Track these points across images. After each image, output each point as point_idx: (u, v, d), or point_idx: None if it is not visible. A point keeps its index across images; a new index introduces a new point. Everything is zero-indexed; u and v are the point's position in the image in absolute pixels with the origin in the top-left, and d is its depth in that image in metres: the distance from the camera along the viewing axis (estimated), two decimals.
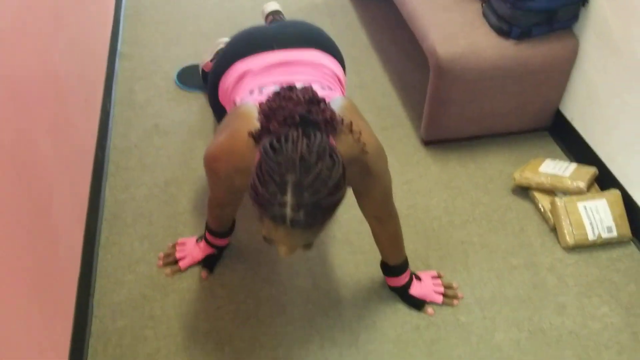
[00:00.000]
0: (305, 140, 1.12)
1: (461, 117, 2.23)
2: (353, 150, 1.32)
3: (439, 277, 1.80)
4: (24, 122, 1.45)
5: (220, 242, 1.82)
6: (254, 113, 1.33)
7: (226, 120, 1.43)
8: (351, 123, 1.32)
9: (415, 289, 1.72)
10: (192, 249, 1.84)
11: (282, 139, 1.13)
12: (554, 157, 2.23)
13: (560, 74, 2.20)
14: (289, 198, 1.09)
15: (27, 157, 1.43)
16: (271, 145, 1.13)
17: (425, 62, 2.74)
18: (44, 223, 1.46)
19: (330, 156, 1.13)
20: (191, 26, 2.99)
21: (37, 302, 1.34)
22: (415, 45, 2.85)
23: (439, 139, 2.31)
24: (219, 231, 1.78)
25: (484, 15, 2.20)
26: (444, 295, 1.75)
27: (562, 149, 2.28)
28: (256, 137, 1.27)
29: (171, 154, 2.25)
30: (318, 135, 1.15)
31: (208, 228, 1.78)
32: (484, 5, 2.23)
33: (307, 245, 1.24)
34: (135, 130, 2.35)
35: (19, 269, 1.26)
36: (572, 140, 2.24)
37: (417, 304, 1.73)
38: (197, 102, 2.50)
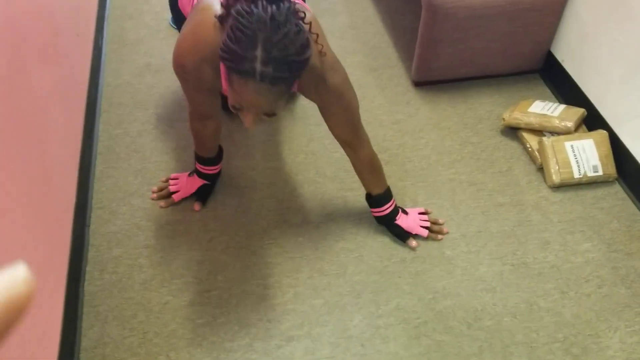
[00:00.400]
0: (274, 5, 1.14)
1: (452, 58, 2.21)
2: None
3: (426, 213, 1.82)
4: (18, 52, 1.42)
5: (210, 169, 1.82)
6: (216, 4, 1.32)
7: (188, 18, 1.42)
8: (310, 24, 1.31)
9: (402, 221, 1.74)
10: (185, 182, 1.84)
11: (252, 5, 1.14)
12: (543, 98, 2.22)
13: (552, 14, 2.17)
14: (259, 52, 1.12)
15: (21, 86, 1.41)
16: (242, 8, 1.15)
17: (417, 4, 2.69)
18: (38, 152, 1.46)
19: (296, 24, 1.16)
20: None
21: (34, 230, 1.34)
22: None
23: (430, 80, 2.29)
24: (206, 157, 1.78)
25: None
26: (430, 229, 1.77)
27: (552, 91, 2.27)
28: (223, 17, 1.26)
29: (163, 91, 2.22)
30: (286, 2, 1.17)
31: (197, 157, 1.78)
32: None
33: (272, 115, 1.27)
34: (127, 68, 2.32)
35: (14, 196, 1.26)
36: (563, 82, 2.23)
37: (403, 235, 1.75)
38: None
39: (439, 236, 1.77)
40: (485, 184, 1.92)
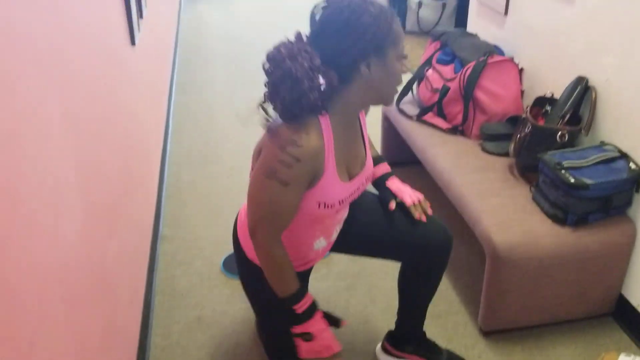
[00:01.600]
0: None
1: (521, 306, 2.00)
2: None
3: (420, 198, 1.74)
4: (79, 328, 1.24)
5: (308, 300, 1.46)
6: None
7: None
8: None
9: (393, 183, 1.74)
10: (317, 336, 1.47)
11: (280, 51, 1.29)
12: (620, 344, 1.97)
13: (620, 259, 2.00)
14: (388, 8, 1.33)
15: None
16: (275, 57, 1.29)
17: (470, 239, 2.57)
18: None
19: None
20: (231, 203, 2.87)
21: None
22: (457, 219, 2.69)
23: (499, 329, 2.06)
24: (297, 288, 1.45)
25: (535, 200, 2.06)
26: (414, 204, 1.69)
27: (630, 336, 2.03)
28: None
29: (214, 351, 2.01)
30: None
31: (289, 301, 1.44)
32: (532, 189, 2.09)
33: None
34: (176, 324, 2.13)
35: None
36: (639, 326, 2.00)
37: (388, 196, 1.71)
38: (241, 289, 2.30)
39: (421, 215, 1.68)
40: None
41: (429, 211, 1.70)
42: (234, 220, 1.78)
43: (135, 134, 2.31)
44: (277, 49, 1.30)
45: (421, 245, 1.67)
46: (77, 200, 1.35)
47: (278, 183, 1.34)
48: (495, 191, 2.13)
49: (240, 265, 1.70)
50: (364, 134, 1.60)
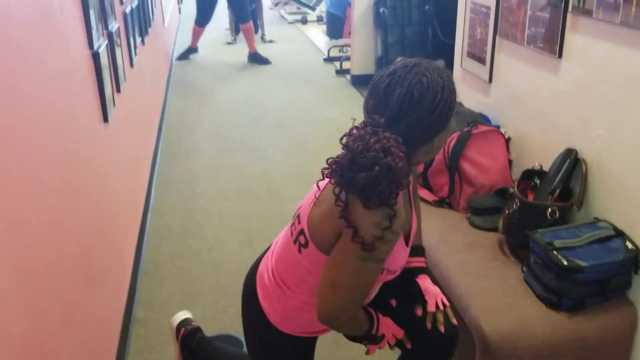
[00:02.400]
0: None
1: None
2: None
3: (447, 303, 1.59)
4: None
5: (374, 317, 1.48)
6: None
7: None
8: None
9: (424, 281, 1.58)
10: (387, 334, 1.50)
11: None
12: None
13: (622, 346, 1.84)
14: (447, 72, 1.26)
15: None
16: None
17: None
18: None
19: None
20: (210, 282, 2.72)
21: None
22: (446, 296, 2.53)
23: None
24: (370, 322, 1.45)
25: (527, 282, 1.91)
26: (439, 308, 1.55)
27: None
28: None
29: None
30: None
31: (365, 337, 1.47)
32: (524, 269, 1.95)
33: None
34: None
35: None
36: None
37: (415, 295, 1.56)
38: None
39: (439, 325, 1.53)
40: None
41: (454, 320, 1.57)
42: (245, 293, 1.58)
43: (103, 214, 2.18)
44: (366, 141, 1.16)
45: (422, 333, 1.56)
46: (16, 307, 1.21)
47: (374, 262, 1.27)
48: (484, 271, 1.99)
49: (264, 340, 1.55)
50: (410, 189, 1.47)
